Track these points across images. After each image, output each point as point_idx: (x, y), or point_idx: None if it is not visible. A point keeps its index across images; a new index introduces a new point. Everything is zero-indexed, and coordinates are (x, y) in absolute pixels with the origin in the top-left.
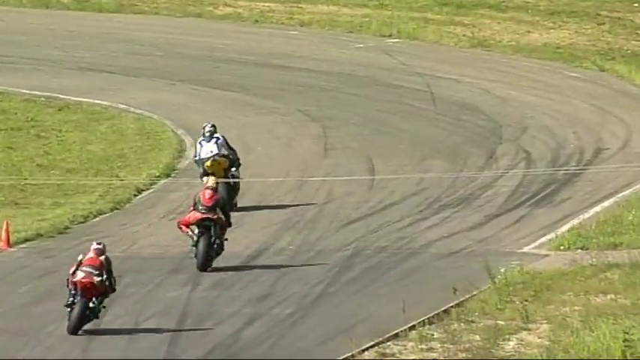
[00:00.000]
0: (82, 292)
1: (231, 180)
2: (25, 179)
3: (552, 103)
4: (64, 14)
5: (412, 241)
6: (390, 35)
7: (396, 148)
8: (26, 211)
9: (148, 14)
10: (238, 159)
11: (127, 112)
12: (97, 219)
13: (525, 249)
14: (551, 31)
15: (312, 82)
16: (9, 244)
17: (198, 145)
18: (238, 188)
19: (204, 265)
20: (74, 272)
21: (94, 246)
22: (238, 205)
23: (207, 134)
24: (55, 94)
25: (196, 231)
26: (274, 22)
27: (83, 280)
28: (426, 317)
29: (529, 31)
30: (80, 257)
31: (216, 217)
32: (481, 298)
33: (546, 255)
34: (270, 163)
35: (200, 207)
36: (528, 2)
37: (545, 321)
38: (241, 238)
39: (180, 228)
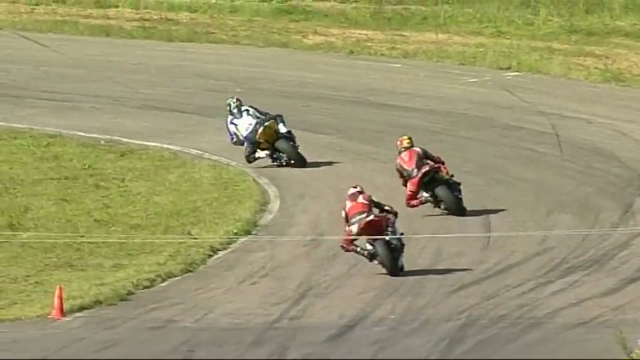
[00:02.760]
0: (373, 235)
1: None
2: (81, 237)
3: None
4: (127, 44)
5: (535, 309)
6: (509, 68)
7: (515, 201)
8: (83, 274)
9: (226, 44)
10: (278, 115)
11: (200, 159)
12: (165, 283)
13: None
14: None
15: (418, 123)
16: (62, 313)
17: (230, 126)
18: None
19: (463, 209)
20: (349, 229)
21: (350, 192)
22: (329, 269)
23: (236, 110)
24: (117, 137)
25: (425, 194)
26: (373, 53)
27: (359, 227)
28: None
29: None
30: (343, 213)
31: (428, 167)
32: None
33: None
34: None
35: (409, 172)
36: None
37: None
38: (334, 306)
39: (414, 205)
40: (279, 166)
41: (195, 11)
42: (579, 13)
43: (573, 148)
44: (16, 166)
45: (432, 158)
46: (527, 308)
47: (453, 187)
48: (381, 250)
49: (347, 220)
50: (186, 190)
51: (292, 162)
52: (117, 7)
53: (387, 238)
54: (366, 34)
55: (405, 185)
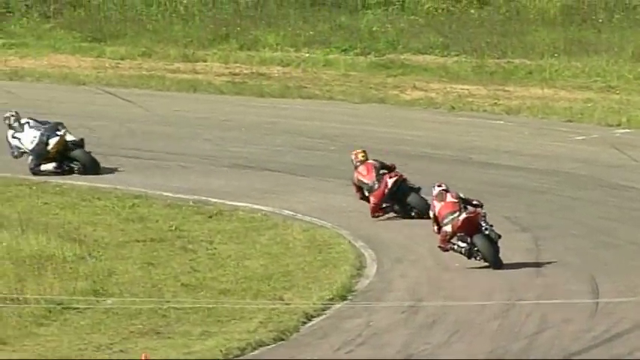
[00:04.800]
0: (468, 232)
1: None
2: (167, 302)
3: None
4: (216, 99)
5: None
6: (619, 125)
7: (625, 265)
8: (169, 342)
9: (320, 99)
10: (59, 123)
11: (293, 220)
12: (256, 351)
13: None
14: None
15: (522, 183)
16: None
17: (13, 140)
18: None
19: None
20: (441, 231)
21: (435, 192)
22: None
23: (16, 124)
24: (205, 198)
25: (385, 205)
26: (475, 109)
27: (456, 226)
28: None
29: None
30: (431, 214)
31: (394, 177)
32: None
33: None
34: (469, 283)
35: (370, 186)
36: None
37: None
38: None
39: (378, 216)
40: (70, 173)
41: (288, 65)
42: None
43: None
44: (100, 228)
45: (388, 168)
46: None
47: (418, 192)
48: (481, 244)
49: (437, 220)
50: (278, 253)
51: (86, 169)
52: (205, 61)
53: (486, 232)
54: (468, 89)
55: (363, 199)
